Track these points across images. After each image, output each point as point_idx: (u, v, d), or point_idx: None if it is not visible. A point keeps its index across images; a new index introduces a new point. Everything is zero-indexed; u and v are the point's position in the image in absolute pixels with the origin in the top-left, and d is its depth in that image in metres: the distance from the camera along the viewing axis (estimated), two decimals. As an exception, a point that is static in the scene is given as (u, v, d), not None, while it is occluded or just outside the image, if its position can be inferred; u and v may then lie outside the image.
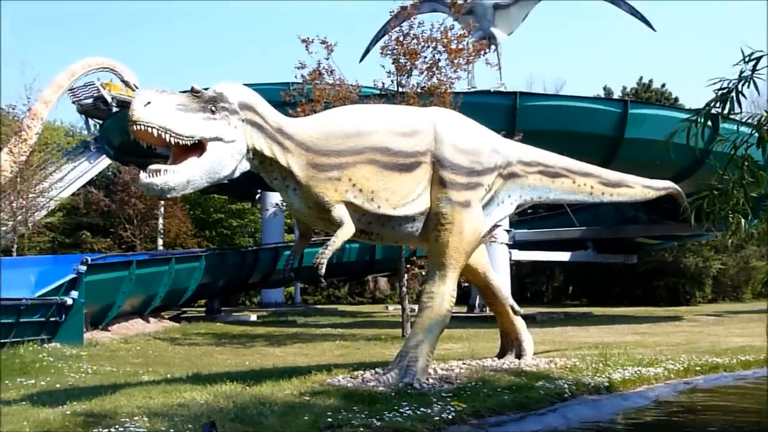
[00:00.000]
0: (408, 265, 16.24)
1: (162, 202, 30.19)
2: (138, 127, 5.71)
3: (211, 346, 14.44)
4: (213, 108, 6.21)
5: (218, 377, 8.04)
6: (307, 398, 6.40)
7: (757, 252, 36.17)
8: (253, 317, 23.77)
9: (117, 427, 5.17)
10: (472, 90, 22.65)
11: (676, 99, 44.29)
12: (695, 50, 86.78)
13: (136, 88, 40.60)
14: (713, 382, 8.65)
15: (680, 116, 21.19)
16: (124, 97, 39.47)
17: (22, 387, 7.86)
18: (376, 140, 7.21)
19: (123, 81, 40.34)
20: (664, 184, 10.12)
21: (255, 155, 6.65)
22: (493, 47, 26.48)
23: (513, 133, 14.77)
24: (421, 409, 5.90)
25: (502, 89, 24.72)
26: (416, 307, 16.59)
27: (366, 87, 16.89)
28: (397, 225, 7.47)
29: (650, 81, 45.11)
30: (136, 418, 5.50)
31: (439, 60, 15.64)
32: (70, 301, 13.39)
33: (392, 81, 15.90)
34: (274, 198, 30.60)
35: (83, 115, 42.29)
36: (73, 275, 13.79)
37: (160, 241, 32.12)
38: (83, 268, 13.88)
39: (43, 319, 13.00)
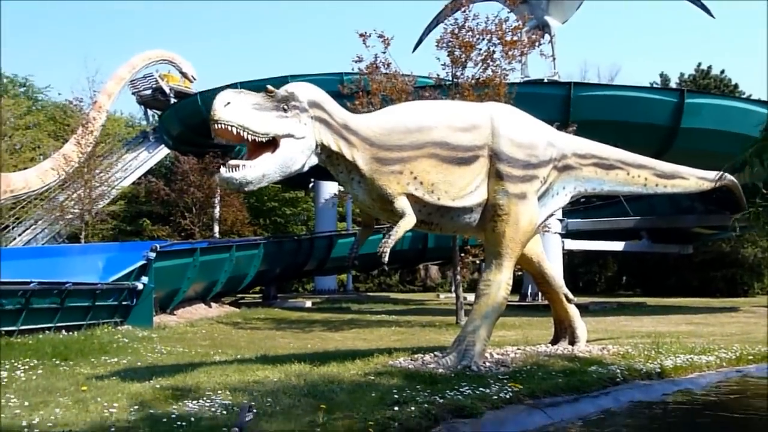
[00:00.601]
0: (461, 254, 16.53)
1: (219, 191, 31.03)
2: (219, 125, 6.19)
3: (272, 330, 15.06)
4: (285, 107, 6.64)
5: (285, 358, 8.52)
6: (372, 378, 6.82)
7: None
8: (308, 303, 24.39)
9: (204, 399, 5.68)
10: (526, 80, 22.69)
11: (736, 86, 43.32)
12: (756, 36, 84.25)
13: (194, 79, 41.70)
14: (765, 371, 8.76)
15: (738, 105, 20.99)
16: (181, 88, 40.49)
17: (108, 365, 8.47)
18: (436, 135, 7.55)
19: (181, 72, 41.35)
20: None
21: (323, 150, 7.05)
22: (547, 36, 26.48)
23: (567, 124, 14.92)
24: (480, 389, 6.26)
25: (555, 79, 24.69)
26: (468, 295, 17.00)
27: (420, 77, 17.18)
28: (455, 216, 7.81)
29: (709, 67, 44.21)
30: (219, 392, 6.01)
31: (493, 52, 15.85)
32: (140, 286, 14.13)
33: (447, 73, 16.19)
34: (328, 187, 31.19)
35: (142, 106, 43.41)
36: (143, 261, 14.49)
37: (217, 229, 33.01)
38: (153, 255, 14.57)
39: (116, 303, 13.75)
